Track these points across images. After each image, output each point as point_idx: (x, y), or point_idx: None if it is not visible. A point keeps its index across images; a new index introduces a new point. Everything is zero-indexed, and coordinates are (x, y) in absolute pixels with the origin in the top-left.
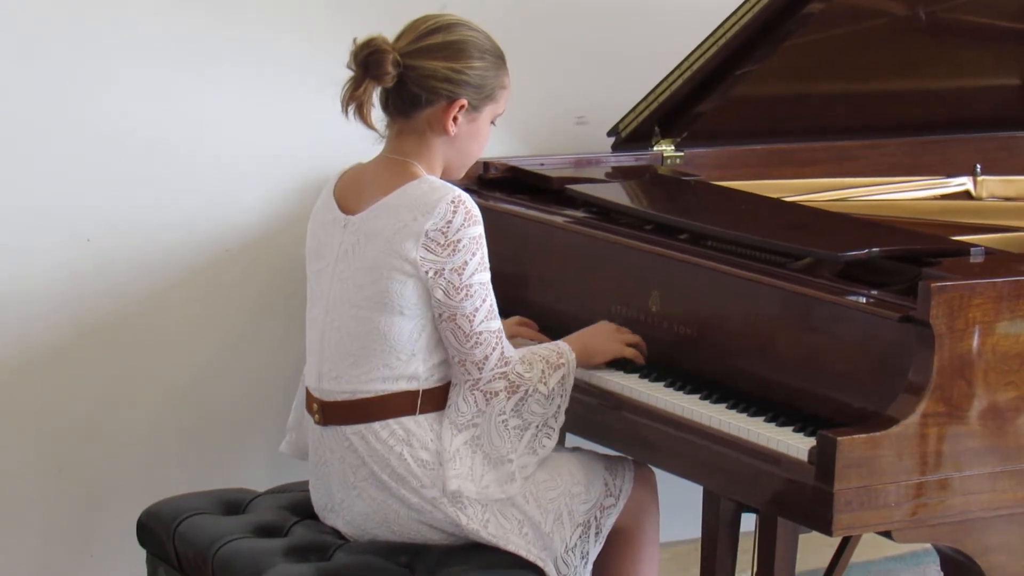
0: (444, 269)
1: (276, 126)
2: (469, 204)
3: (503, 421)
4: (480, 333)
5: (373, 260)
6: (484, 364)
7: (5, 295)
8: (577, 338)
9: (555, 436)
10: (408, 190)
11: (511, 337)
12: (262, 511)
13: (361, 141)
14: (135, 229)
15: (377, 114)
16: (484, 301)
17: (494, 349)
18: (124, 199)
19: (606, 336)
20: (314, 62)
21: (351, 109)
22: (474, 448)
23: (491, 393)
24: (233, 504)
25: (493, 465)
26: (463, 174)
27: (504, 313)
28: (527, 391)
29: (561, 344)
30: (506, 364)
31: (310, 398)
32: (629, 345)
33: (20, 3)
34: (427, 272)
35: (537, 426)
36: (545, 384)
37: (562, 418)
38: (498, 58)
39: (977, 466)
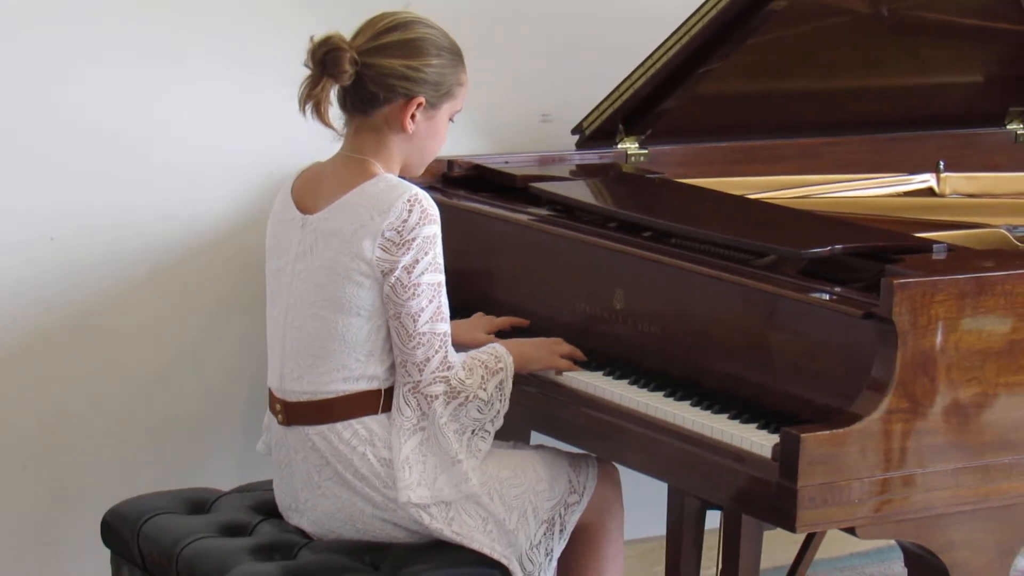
0: (397, 267)
1: (239, 125)
2: (426, 203)
3: (444, 424)
4: (423, 334)
5: (331, 260)
6: (425, 366)
7: None
8: (514, 344)
9: (490, 439)
10: (366, 188)
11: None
12: (227, 510)
13: (322, 140)
14: (99, 228)
15: (335, 112)
16: (431, 302)
17: (436, 352)
18: (88, 198)
19: (539, 344)
20: (278, 61)
21: (308, 107)
22: (424, 453)
23: (431, 396)
24: (198, 503)
25: (445, 467)
26: (422, 171)
27: (468, 312)
28: (467, 397)
29: (498, 347)
30: (448, 368)
31: (272, 398)
32: (564, 357)
33: None
34: (382, 272)
35: (474, 431)
36: (484, 390)
37: (500, 422)
38: (455, 55)
39: (940, 462)
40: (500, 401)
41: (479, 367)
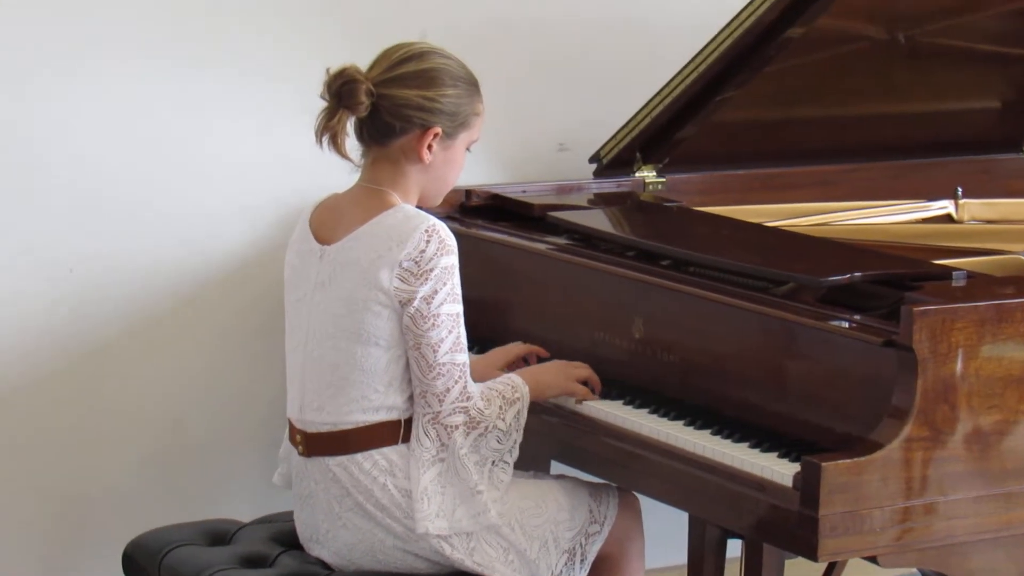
0: (415, 297)
1: (256, 156)
2: (444, 233)
3: (465, 455)
4: (443, 364)
5: (349, 291)
6: (444, 397)
7: None
8: (529, 373)
9: (510, 470)
10: (383, 219)
11: (514, 366)
12: (248, 542)
13: (338, 171)
14: (117, 259)
15: (352, 143)
16: (451, 332)
17: (456, 382)
18: (106, 229)
19: (557, 371)
20: (295, 91)
21: (325, 139)
22: (443, 484)
23: (451, 427)
24: (219, 535)
25: (464, 499)
26: (440, 201)
27: (487, 341)
28: (487, 427)
29: (515, 378)
30: (467, 399)
31: (293, 429)
32: (582, 381)
33: (9, 33)
34: (400, 302)
35: (494, 462)
36: (503, 420)
37: (517, 452)
38: (471, 85)
39: (962, 490)
40: (517, 431)
41: (497, 397)
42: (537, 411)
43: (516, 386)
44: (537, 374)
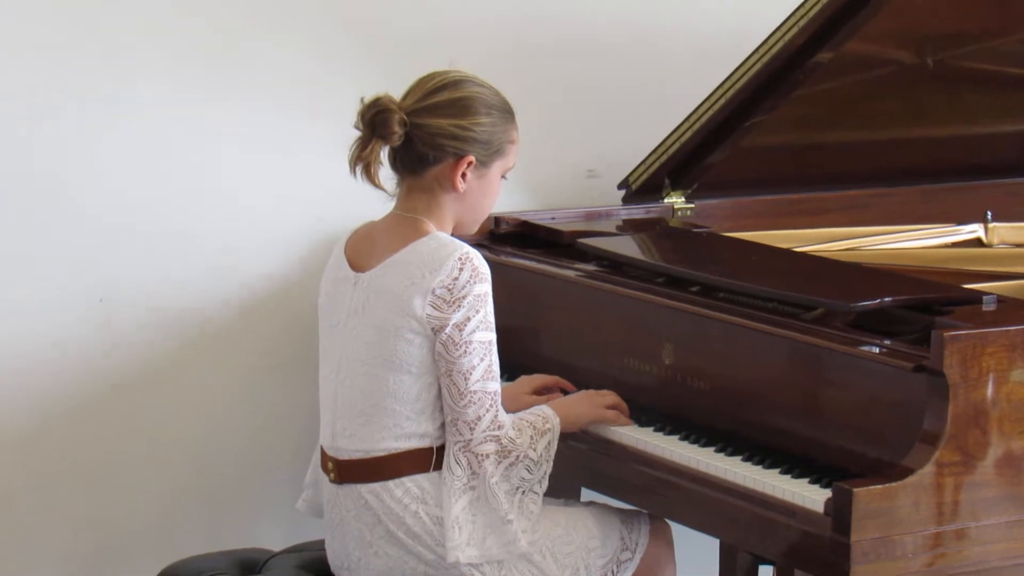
0: (447, 324)
1: (284, 187)
2: (477, 261)
3: (496, 484)
4: (474, 392)
5: (382, 318)
6: (476, 425)
7: (19, 354)
8: (560, 404)
9: (540, 501)
10: (418, 247)
11: (541, 393)
12: (279, 570)
13: (370, 199)
14: (147, 289)
15: (387, 172)
16: (483, 360)
17: (487, 411)
18: (136, 258)
19: (586, 400)
20: (322, 120)
21: (359, 169)
22: (474, 512)
23: (482, 456)
24: (250, 564)
25: (494, 528)
26: (476, 229)
27: (516, 368)
28: (518, 456)
29: (546, 409)
30: (499, 428)
31: (324, 457)
32: (610, 407)
33: (38, 66)
34: (433, 329)
35: (524, 492)
36: (534, 450)
37: (546, 483)
38: (506, 113)
39: (994, 515)
40: (547, 462)
41: (528, 427)
42: (566, 438)
43: (547, 417)
44: (567, 405)
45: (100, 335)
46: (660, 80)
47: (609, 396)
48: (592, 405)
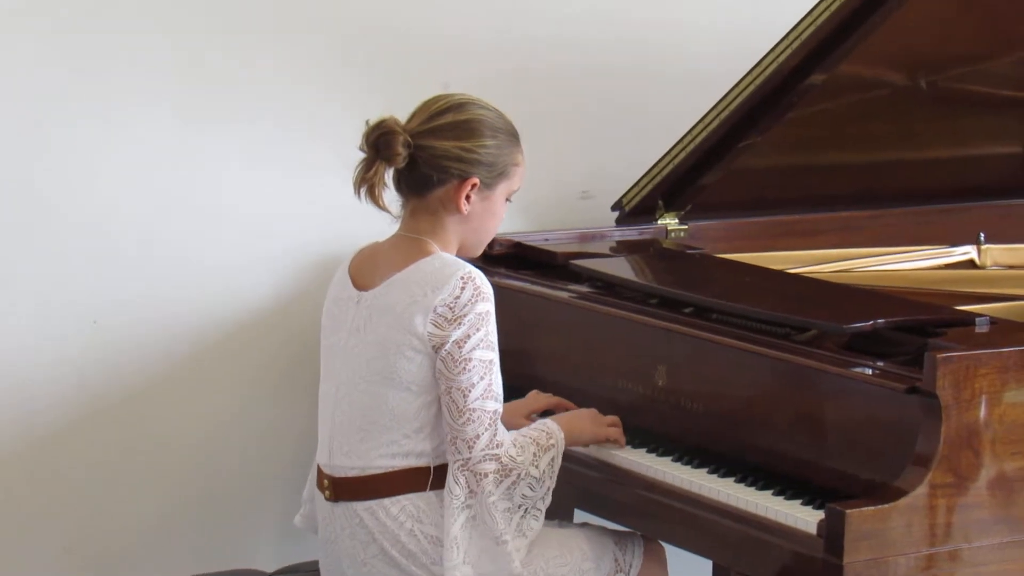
0: (447, 341)
1: (281, 205)
2: (480, 281)
3: (492, 504)
4: (473, 410)
5: (384, 335)
6: (474, 443)
7: (14, 375)
8: (564, 419)
9: (542, 518)
10: (421, 266)
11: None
12: None
13: (366, 219)
14: (141, 309)
15: (392, 192)
16: (482, 379)
17: (487, 429)
18: (130, 279)
19: (590, 418)
20: (319, 142)
21: (363, 191)
22: (471, 531)
23: (481, 474)
24: None
25: (488, 548)
26: (480, 251)
27: (509, 390)
28: (519, 475)
29: (550, 424)
30: (498, 447)
31: (321, 474)
32: (611, 427)
33: (31, 85)
34: (434, 347)
35: (526, 509)
36: (536, 467)
37: (549, 499)
38: (511, 135)
39: (987, 537)
40: (551, 478)
41: (530, 444)
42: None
43: (551, 432)
44: (572, 420)
45: (94, 353)
46: (654, 102)
47: (609, 419)
48: (596, 423)
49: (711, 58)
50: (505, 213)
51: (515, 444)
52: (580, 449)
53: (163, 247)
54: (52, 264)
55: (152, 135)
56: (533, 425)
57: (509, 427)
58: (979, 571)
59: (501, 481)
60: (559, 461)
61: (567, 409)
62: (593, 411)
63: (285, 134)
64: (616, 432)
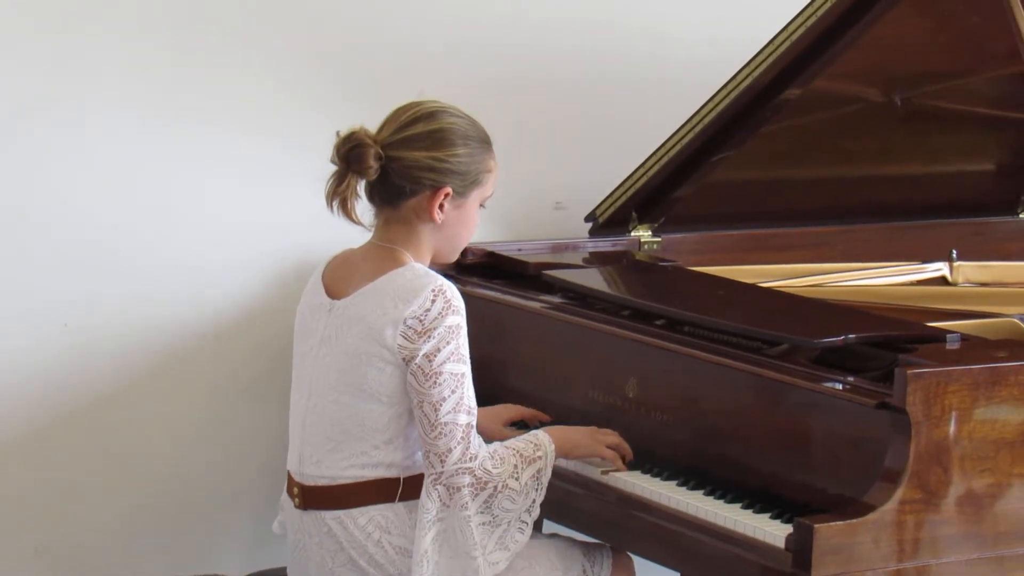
0: (417, 355)
1: (253, 212)
2: (451, 294)
3: (466, 518)
4: (445, 424)
5: (354, 346)
6: (447, 457)
7: None
8: (559, 431)
9: (528, 530)
10: (393, 277)
11: (514, 423)
12: None
13: (342, 226)
14: (112, 314)
15: (365, 202)
16: (454, 392)
17: (459, 443)
18: (101, 284)
19: (588, 434)
20: (291, 149)
21: (335, 204)
22: (440, 544)
23: (454, 488)
24: None
25: (459, 562)
26: (455, 258)
27: (480, 399)
28: (496, 488)
29: (540, 435)
30: (471, 459)
31: (291, 482)
32: (611, 447)
33: (7, 88)
34: (404, 359)
35: (509, 522)
36: (517, 479)
37: (536, 511)
38: (482, 142)
39: (955, 553)
40: (536, 491)
41: (512, 456)
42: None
43: (540, 444)
44: (567, 432)
45: (65, 358)
46: (628, 114)
47: (612, 436)
48: (593, 440)
49: (686, 71)
50: (479, 219)
51: (493, 456)
52: (581, 458)
53: (136, 252)
54: (22, 267)
55: (125, 141)
56: (523, 436)
57: (487, 435)
58: None
59: (477, 494)
60: (548, 473)
61: (540, 420)
62: (592, 428)
63: (260, 141)
64: (612, 455)
